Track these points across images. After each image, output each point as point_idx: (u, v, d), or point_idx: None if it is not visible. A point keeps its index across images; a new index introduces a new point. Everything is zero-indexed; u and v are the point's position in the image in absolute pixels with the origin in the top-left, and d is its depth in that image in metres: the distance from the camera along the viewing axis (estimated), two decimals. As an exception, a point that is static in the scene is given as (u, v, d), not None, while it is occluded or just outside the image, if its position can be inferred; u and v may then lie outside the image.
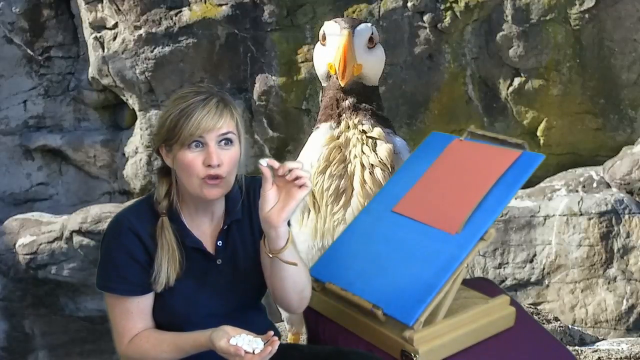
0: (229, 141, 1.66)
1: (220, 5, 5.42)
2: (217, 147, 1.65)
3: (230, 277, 1.74)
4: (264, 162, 1.60)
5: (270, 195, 1.60)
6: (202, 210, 1.73)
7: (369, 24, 2.24)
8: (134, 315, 1.69)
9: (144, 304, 1.69)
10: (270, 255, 1.65)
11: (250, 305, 1.80)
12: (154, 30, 5.46)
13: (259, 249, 1.71)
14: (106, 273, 1.70)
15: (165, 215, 1.69)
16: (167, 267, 1.66)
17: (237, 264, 1.75)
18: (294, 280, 1.70)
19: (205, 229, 1.74)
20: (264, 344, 1.56)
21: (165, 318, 1.72)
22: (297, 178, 1.58)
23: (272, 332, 1.60)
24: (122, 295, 1.68)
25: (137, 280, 1.67)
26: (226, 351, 1.55)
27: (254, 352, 1.54)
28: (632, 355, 3.01)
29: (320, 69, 2.28)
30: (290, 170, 1.58)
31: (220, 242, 1.74)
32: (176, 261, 1.67)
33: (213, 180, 1.64)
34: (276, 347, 1.56)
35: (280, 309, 2.13)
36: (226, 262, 1.74)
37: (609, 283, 4.60)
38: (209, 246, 1.74)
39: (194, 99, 1.65)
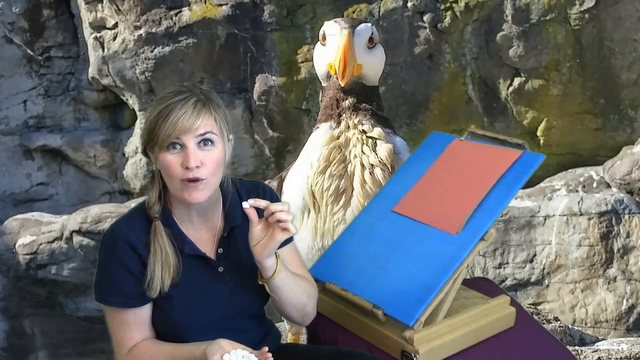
0: (209, 142, 1.62)
1: (220, 5, 5.42)
2: (197, 149, 1.61)
3: (233, 285, 1.72)
4: (246, 205, 1.61)
5: (256, 232, 1.62)
6: (195, 215, 1.71)
7: (369, 24, 2.23)
8: (131, 326, 1.67)
9: (141, 315, 1.68)
10: (260, 282, 1.67)
11: (253, 312, 1.78)
12: (154, 30, 5.46)
13: None
14: (102, 286, 1.68)
15: (158, 220, 1.67)
16: (160, 272, 1.63)
17: (241, 270, 1.72)
18: (291, 302, 1.72)
19: (203, 236, 1.72)
20: None
21: (165, 327, 1.70)
22: (280, 220, 1.59)
23: (266, 348, 1.58)
24: (119, 308, 1.67)
25: (133, 293, 1.65)
26: None
27: None
28: (632, 355, 3.01)
29: (320, 69, 2.27)
30: (272, 213, 1.59)
31: (221, 249, 1.72)
32: (170, 266, 1.64)
33: (193, 183, 1.61)
34: None
35: None
36: (228, 269, 1.72)
37: (609, 283, 4.60)
38: (209, 253, 1.72)
39: (172, 100, 1.62)
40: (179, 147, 1.61)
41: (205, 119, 1.61)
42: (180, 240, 1.68)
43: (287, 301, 1.71)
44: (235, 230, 1.73)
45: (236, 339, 1.60)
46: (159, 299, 1.66)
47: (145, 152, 1.70)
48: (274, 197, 1.81)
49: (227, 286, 1.71)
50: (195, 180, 1.61)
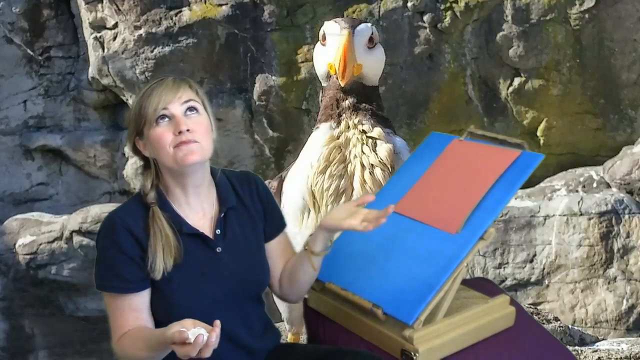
0: (193, 109, 1.72)
1: (220, 5, 5.42)
2: (184, 117, 1.70)
3: (231, 266, 1.73)
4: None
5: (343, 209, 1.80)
6: (192, 195, 1.74)
7: (369, 24, 2.24)
8: (125, 312, 1.68)
9: (137, 301, 1.69)
10: (305, 248, 1.79)
11: (252, 296, 1.80)
12: (154, 30, 5.46)
13: (260, 239, 1.78)
14: (101, 272, 1.70)
15: (155, 205, 1.70)
16: (162, 253, 1.66)
17: (238, 252, 1.75)
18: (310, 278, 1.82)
19: (200, 218, 1.75)
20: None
21: (166, 312, 1.69)
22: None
23: (218, 322, 1.50)
24: (116, 293, 1.69)
25: (131, 277, 1.67)
26: (171, 339, 1.47)
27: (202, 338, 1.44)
28: (632, 355, 3.02)
29: (320, 69, 2.28)
30: None
31: (219, 230, 1.75)
32: (171, 247, 1.67)
33: (185, 145, 1.66)
34: (218, 331, 1.47)
35: (278, 302, 2.14)
36: (226, 250, 1.74)
37: (609, 283, 4.60)
38: (207, 234, 1.75)
39: (151, 83, 1.75)
40: (167, 118, 1.69)
41: (185, 88, 1.73)
42: (178, 222, 1.71)
43: (307, 276, 1.82)
44: (230, 212, 1.77)
45: (238, 324, 1.63)
46: (159, 282, 1.67)
47: (135, 149, 1.75)
48: (260, 186, 1.86)
49: (226, 267, 1.73)
50: (188, 142, 1.67)
